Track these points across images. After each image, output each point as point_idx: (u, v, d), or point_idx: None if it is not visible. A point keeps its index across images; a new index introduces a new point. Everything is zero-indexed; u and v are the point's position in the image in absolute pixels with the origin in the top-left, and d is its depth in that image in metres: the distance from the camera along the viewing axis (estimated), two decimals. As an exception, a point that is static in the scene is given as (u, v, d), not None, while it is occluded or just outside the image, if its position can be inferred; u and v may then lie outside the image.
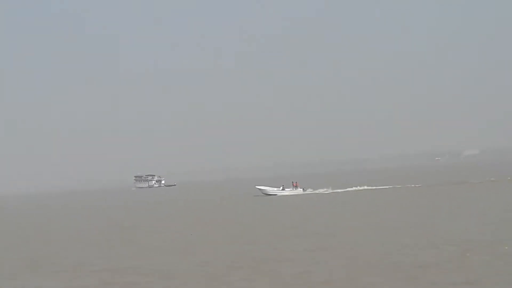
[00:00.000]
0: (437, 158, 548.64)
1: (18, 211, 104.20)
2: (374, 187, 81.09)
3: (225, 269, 23.44)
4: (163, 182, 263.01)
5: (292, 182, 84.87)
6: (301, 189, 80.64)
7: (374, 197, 63.90)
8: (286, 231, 35.71)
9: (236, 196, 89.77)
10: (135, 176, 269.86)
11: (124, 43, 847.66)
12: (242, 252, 27.71)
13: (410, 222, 35.67)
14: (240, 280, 21.26)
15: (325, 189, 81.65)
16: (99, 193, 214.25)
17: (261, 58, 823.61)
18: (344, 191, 78.68)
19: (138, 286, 21.71)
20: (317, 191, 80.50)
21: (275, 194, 79.33)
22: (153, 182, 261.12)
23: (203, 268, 23.89)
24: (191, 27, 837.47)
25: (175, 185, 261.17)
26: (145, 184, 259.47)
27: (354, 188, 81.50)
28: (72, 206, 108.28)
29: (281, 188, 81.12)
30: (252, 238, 33.26)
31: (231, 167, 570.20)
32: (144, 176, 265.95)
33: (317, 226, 37.25)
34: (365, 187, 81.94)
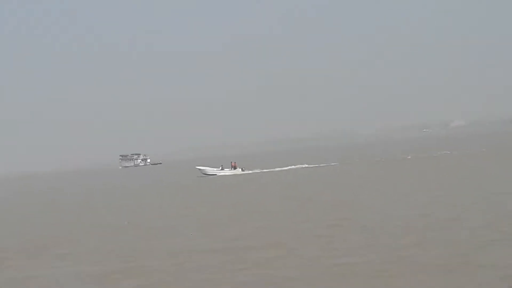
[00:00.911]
0: (424, 130, 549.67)
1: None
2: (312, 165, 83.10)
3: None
4: (148, 160, 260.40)
5: (231, 162, 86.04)
6: (240, 169, 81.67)
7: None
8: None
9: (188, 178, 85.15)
10: (121, 155, 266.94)
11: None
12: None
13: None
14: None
15: (258, 170, 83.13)
16: (83, 174, 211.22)
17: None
18: (277, 170, 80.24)
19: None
20: (254, 171, 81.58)
21: (215, 174, 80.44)
22: (139, 160, 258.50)
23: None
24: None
25: (160, 163, 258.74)
26: (131, 163, 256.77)
27: (290, 167, 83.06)
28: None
29: (220, 168, 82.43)
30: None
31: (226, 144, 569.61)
32: (130, 155, 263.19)
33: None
34: (304, 165, 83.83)
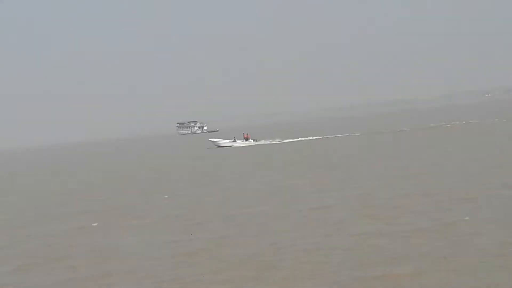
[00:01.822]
0: (487, 95, 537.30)
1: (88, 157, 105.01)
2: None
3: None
4: (205, 128, 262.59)
5: (243, 133, 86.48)
6: (252, 140, 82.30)
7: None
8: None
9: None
10: (178, 123, 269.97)
11: None
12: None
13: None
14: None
15: (270, 140, 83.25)
16: (144, 141, 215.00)
17: None
18: (292, 141, 79.90)
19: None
20: (267, 142, 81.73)
21: (230, 146, 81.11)
22: (196, 128, 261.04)
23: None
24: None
25: (217, 130, 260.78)
26: (188, 131, 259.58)
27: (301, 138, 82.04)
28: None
29: (233, 140, 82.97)
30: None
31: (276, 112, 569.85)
32: (187, 123, 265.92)
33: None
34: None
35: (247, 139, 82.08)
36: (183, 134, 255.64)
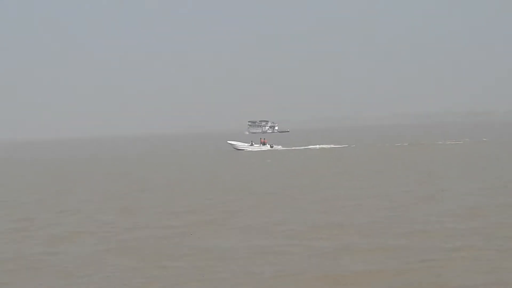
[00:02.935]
0: None
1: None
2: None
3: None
4: (276, 128, 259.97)
5: (261, 138, 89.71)
6: (268, 146, 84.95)
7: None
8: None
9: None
10: (249, 121, 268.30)
11: None
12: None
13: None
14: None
15: (280, 146, 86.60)
16: (214, 137, 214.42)
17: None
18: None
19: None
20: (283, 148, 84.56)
21: (243, 149, 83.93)
22: (267, 127, 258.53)
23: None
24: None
25: (288, 131, 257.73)
26: (259, 129, 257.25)
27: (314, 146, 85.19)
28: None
29: (250, 144, 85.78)
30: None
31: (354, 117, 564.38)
32: (258, 122, 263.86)
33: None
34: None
35: (264, 143, 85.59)
36: (254, 132, 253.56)
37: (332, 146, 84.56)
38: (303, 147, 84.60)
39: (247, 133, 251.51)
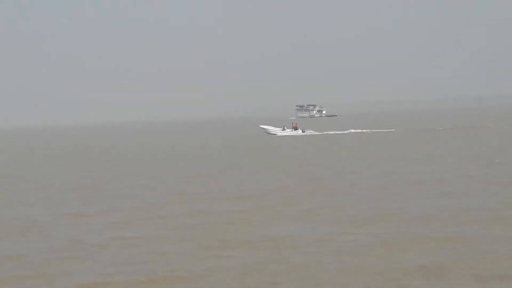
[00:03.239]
0: None
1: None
2: None
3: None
4: (324, 112, 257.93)
5: (292, 123, 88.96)
6: (300, 131, 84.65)
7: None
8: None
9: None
10: (297, 106, 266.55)
11: None
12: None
13: None
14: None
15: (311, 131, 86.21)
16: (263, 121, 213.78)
17: None
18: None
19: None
20: (315, 133, 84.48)
21: (275, 134, 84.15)
22: (314, 112, 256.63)
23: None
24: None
25: (336, 115, 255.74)
26: (306, 114, 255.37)
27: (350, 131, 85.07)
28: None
29: (282, 128, 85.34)
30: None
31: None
32: (306, 106, 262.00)
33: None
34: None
35: (295, 128, 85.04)
36: (302, 117, 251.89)
37: (367, 130, 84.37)
38: (337, 132, 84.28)
39: (294, 117, 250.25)
